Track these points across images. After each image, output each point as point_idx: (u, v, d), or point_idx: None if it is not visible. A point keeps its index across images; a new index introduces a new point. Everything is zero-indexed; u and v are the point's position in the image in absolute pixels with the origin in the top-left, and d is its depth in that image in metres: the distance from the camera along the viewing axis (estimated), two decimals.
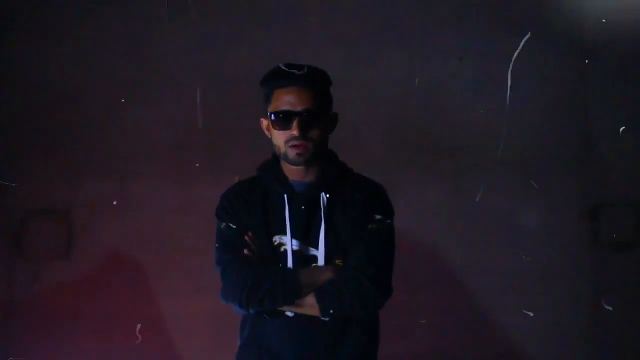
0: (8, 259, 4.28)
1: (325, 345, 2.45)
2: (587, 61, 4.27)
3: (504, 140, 4.28)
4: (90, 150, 4.31)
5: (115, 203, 4.27)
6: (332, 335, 2.45)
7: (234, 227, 2.48)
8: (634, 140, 4.26)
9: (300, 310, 2.42)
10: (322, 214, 2.44)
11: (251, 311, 2.44)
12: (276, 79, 2.46)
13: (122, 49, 4.33)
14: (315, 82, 2.46)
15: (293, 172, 2.50)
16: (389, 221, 2.52)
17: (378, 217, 2.49)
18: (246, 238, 2.45)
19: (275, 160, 2.54)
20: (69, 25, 4.35)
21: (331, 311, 2.40)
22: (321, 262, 2.44)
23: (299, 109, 2.42)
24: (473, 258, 4.25)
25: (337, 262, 2.45)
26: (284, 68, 2.46)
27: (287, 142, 2.44)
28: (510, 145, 4.28)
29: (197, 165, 4.29)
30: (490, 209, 4.25)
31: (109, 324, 4.22)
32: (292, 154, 2.44)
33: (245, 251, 2.43)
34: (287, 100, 2.43)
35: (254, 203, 2.49)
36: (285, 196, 2.48)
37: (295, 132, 2.42)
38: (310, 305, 2.41)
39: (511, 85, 4.28)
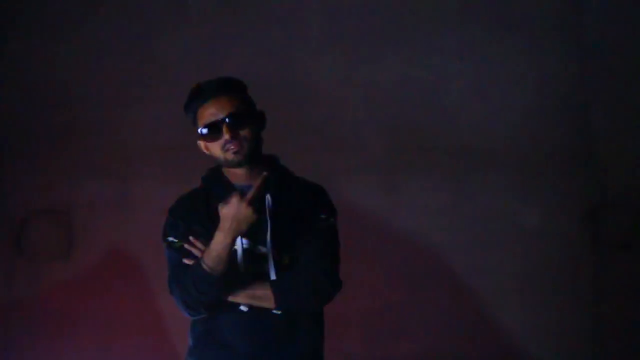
0: (8, 259, 4.28)
1: (278, 338, 2.54)
2: (586, 61, 4.27)
3: (504, 140, 4.28)
4: (90, 150, 4.32)
5: (114, 203, 4.28)
6: (285, 329, 2.55)
7: (174, 240, 2.60)
8: (634, 140, 4.27)
9: (254, 302, 2.52)
10: (267, 214, 2.55)
11: (203, 314, 2.57)
12: (194, 100, 2.61)
13: (122, 49, 4.34)
14: (229, 89, 2.60)
15: (237, 177, 2.61)
16: (332, 219, 2.63)
17: (323, 215, 2.61)
18: (186, 246, 2.55)
19: (218, 167, 2.66)
20: (69, 25, 4.35)
21: (285, 303, 2.51)
22: (270, 258, 2.54)
23: (222, 116, 2.55)
24: (473, 258, 4.25)
25: (285, 258, 2.55)
26: (196, 88, 2.62)
27: (222, 148, 2.56)
28: (510, 145, 4.28)
29: (197, 165, 4.28)
30: (490, 209, 4.25)
31: (109, 324, 4.22)
32: (229, 155, 2.56)
33: (185, 260, 2.54)
34: (209, 112, 2.57)
35: (199, 210, 2.60)
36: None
37: (226, 136, 2.54)
38: (265, 298, 2.51)
39: (511, 85, 4.28)
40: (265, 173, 2.51)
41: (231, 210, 2.45)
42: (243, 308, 2.53)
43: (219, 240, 2.46)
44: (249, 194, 2.46)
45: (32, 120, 4.33)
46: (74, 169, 4.31)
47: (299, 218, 2.58)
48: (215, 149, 2.58)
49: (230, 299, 2.52)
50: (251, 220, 2.46)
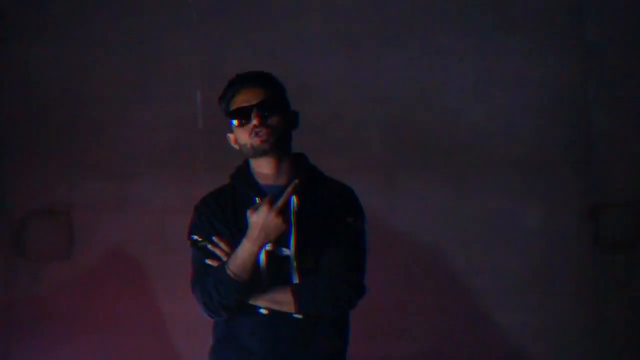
0: (8, 259, 4.28)
1: (298, 342, 2.52)
2: (587, 61, 4.27)
3: (504, 140, 4.28)
4: (90, 150, 4.32)
5: (115, 203, 4.28)
6: (305, 333, 2.52)
7: (198, 239, 2.58)
8: (634, 140, 4.27)
9: (275, 306, 2.50)
10: (292, 217, 2.52)
11: (222, 316, 2.54)
12: (229, 88, 2.61)
13: (122, 49, 4.34)
14: (265, 81, 2.61)
15: (264, 176, 2.60)
16: (359, 223, 2.61)
17: (349, 219, 2.58)
18: (209, 246, 2.54)
19: (245, 165, 2.65)
20: (69, 25, 4.35)
21: (306, 308, 2.49)
22: (292, 262, 2.52)
23: (253, 102, 2.56)
24: (473, 258, 4.25)
25: (308, 262, 2.53)
26: (233, 78, 2.63)
27: (250, 134, 2.55)
28: (510, 145, 4.28)
29: (197, 165, 4.29)
30: (490, 209, 4.25)
31: (109, 324, 4.22)
32: (256, 142, 2.55)
33: (208, 261, 2.52)
34: (241, 99, 2.58)
35: (224, 209, 2.59)
36: (256, 199, 2.55)
37: (255, 121, 2.54)
38: (285, 302, 2.49)
39: (511, 85, 4.28)
40: (296, 181, 2.48)
41: (260, 219, 2.42)
42: (263, 311, 2.51)
43: (246, 247, 2.44)
44: (279, 203, 2.43)
45: (32, 120, 4.33)
46: (74, 169, 4.31)
47: (324, 221, 2.55)
48: (243, 135, 2.56)
49: (251, 302, 2.50)
50: (280, 230, 2.43)
